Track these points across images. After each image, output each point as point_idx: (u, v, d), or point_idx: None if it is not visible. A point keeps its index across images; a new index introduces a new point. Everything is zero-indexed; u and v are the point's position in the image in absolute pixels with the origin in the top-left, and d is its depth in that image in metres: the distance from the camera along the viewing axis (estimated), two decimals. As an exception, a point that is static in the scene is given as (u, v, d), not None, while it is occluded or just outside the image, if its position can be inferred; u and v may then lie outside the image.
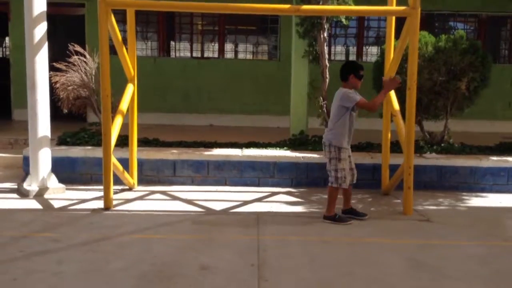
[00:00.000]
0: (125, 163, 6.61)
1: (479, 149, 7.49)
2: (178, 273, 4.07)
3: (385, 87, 5.55)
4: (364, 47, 11.41)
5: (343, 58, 11.64)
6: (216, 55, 11.34)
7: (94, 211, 5.70)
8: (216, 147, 7.39)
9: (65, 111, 7.47)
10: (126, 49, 6.52)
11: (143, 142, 7.38)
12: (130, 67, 6.56)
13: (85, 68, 7.31)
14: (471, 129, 9.80)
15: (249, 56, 11.64)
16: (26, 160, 6.72)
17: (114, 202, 5.88)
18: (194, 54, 11.39)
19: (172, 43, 11.73)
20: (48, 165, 6.42)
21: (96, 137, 7.28)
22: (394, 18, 6.61)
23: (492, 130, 10.30)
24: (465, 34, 7.36)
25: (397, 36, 6.59)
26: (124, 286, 3.81)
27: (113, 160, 6.00)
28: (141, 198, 6.35)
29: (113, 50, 5.92)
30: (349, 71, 5.42)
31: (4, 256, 4.31)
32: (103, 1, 5.59)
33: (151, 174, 7.01)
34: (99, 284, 3.83)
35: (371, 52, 11.54)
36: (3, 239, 4.71)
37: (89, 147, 7.08)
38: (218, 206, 6.03)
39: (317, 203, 6.22)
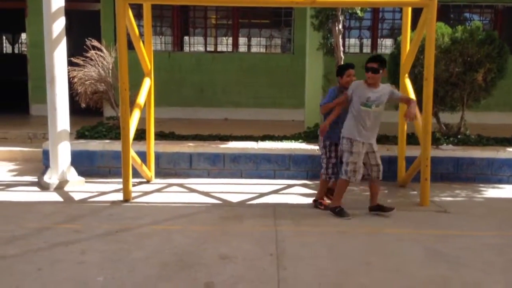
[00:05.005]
0: (142, 156, 6.69)
1: (496, 140, 7.45)
2: (198, 262, 4.14)
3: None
4: (378, 39, 11.36)
5: (358, 50, 11.61)
6: (230, 49, 11.36)
7: (113, 203, 5.79)
8: (231, 140, 7.44)
9: (83, 105, 7.56)
10: (143, 42, 6.59)
11: (160, 136, 7.46)
12: (147, 61, 6.63)
13: (102, 63, 7.39)
14: (488, 121, 9.72)
15: (263, 50, 11.66)
16: (46, 153, 6.83)
17: (133, 194, 5.98)
18: (208, 48, 11.44)
19: (186, 37, 11.79)
20: (68, 159, 6.53)
21: (113, 131, 7.37)
22: (410, 9, 6.59)
23: (509, 121, 10.19)
24: (481, 25, 7.31)
25: (412, 28, 6.57)
26: (146, 275, 3.89)
27: (132, 153, 6.09)
28: (159, 190, 6.43)
29: (129, 45, 5.98)
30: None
31: (28, 247, 4.41)
32: (121, -4, 5.65)
33: (167, 167, 7.09)
34: (122, 273, 3.91)
35: (385, 44, 11.49)
36: (26, 230, 4.82)
37: (107, 141, 7.18)
38: (234, 198, 6.09)
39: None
